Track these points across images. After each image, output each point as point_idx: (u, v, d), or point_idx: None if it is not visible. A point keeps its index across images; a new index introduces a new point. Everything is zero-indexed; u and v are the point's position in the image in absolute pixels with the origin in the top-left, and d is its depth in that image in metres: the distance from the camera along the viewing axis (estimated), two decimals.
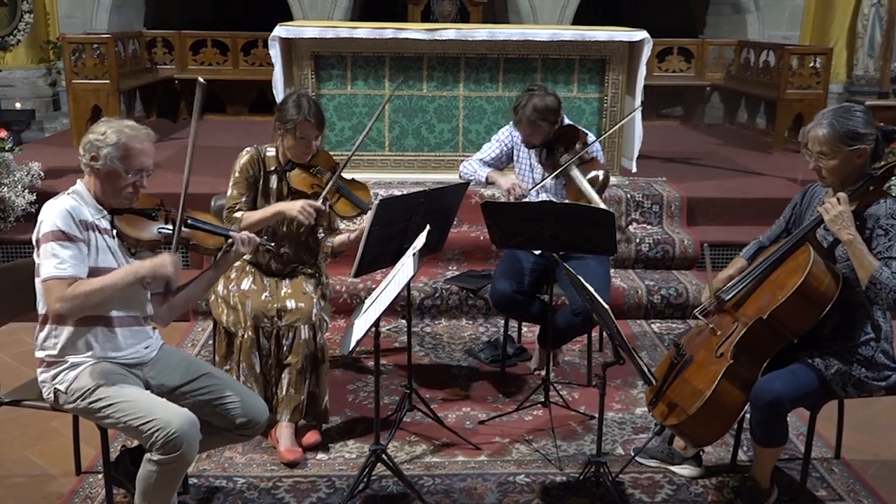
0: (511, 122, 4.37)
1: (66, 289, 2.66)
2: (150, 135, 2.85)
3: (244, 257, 3.67)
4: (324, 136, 3.80)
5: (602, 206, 3.84)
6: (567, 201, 4.13)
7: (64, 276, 2.67)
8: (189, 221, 2.94)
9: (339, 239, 3.80)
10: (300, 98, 3.64)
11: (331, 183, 3.67)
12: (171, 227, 2.89)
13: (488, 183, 4.40)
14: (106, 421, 2.77)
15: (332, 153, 3.96)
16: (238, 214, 3.61)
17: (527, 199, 4.17)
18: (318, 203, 3.60)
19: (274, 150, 3.72)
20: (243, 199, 3.65)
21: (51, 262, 2.68)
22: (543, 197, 4.19)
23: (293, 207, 3.57)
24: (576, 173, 4.07)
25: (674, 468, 3.50)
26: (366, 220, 3.42)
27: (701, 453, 3.51)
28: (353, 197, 3.76)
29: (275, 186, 3.71)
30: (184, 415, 2.69)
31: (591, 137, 4.21)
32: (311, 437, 3.66)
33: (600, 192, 4.03)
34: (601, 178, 4.10)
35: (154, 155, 2.87)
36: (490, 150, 4.43)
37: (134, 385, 2.82)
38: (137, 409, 2.69)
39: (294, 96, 3.66)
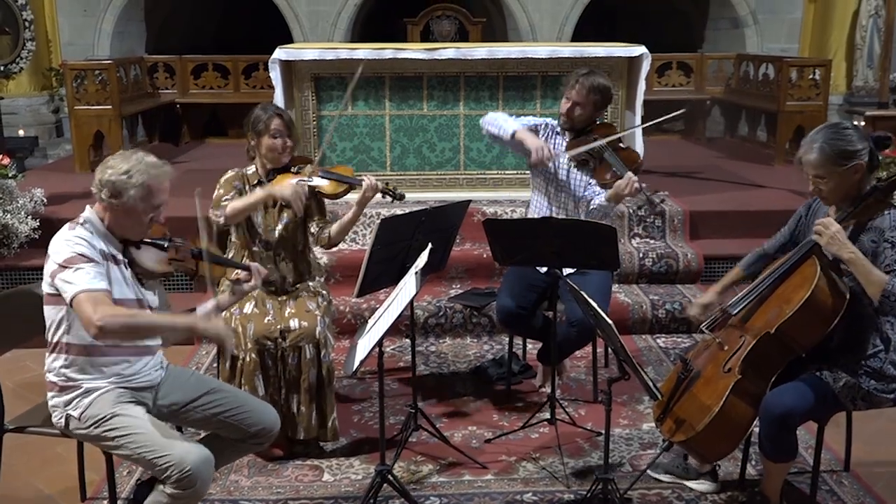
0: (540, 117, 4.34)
1: (104, 304, 2.59)
2: (171, 173, 2.83)
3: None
4: (296, 138, 3.88)
5: (637, 179, 3.78)
6: (568, 217, 4.15)
7: (97, 288, 2.62)
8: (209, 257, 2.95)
9: (334, 227, 3.84)
10: (265, 105, 3.82)
11: (313, 171, 3.76)
12: (181, 260, 2.89)
13: (514, 139, 3.99)
14: (118, 451, 2.76)
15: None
16: (224, 203, 3.66)
17: (533, 216, 4.12)
18: (311, 181, 3.74)
19: (253, 167, 3.82)
20: (230, 194, 3.70)
21: (79, 277, 2.61)
22: (563, 193, 4.18)
23: (285, 187, 3.60)
24: (609, 156, 3.96)
25: (689, 483, 3.47)
26: (369, 238, 3.45)
27: (717, 468, 3.49)
28: (339, 175, 3.85)
29: None
30: (199, 452, 2.68)
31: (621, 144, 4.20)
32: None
33: (636, 172, 3.87)
34: (638, 161, 4.02)
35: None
36: (526, 120, 4.24)
37: (148, 414, 2.81)
38: (154, 443, 2.67)
39: (258, 106, 3.81)
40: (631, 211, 5.81)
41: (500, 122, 4.11)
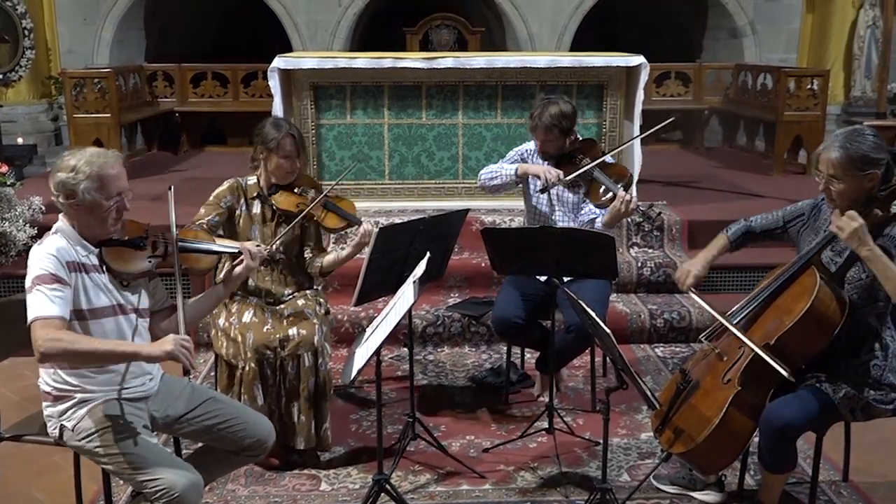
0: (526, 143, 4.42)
1: (51, 329, 2.59)
2: (118, 156, 2.82)
3: (249, 282, 3.70)
4: (304, 158, 3.88)
5: (631, 197, 3.85)
6: (567, 226, 4.15)
7: (49, 315, 2.62)
8: (181, 244, 2.92)
9: (328, 258, 3.84)
10: (277, 120, 3.82)
11: (317, 200, 3.71)
12: (160, 256, 2.86)
13: (518, 176, 4.21)
14: (108, 466, 2.75)
15: (329, 182, 3.98)
16: (200, 223, 3.60)
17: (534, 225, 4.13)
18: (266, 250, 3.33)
19: (255, 178, 3.80)
20: (207, 218, 3.66)
21: (37, 301, 2.63)
22: (558, 211, 4.20)
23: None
24: (599, 174, 4.04)
25: (695, 494, 3.46)
26: (366, 249, 3.43)
27: (723, 478, 3.48)
28: (340, 210, 3.81)
29: (258, 211, 3.77)
30: (188, 476, 2.65)
31: (609, 158, 4.23)
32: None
33: (626, 187, 3.97)
34: (627, 175, 4.10)
35: (126, 176, 2.83)
36: (509, 159, 4.39)
37: (142, 428, 2.78)
38: (144, 463, 2.65)
39: (271, 119, 3.81)
40: (630, 221, 5.80)
41: (496, 171, 4.29)
